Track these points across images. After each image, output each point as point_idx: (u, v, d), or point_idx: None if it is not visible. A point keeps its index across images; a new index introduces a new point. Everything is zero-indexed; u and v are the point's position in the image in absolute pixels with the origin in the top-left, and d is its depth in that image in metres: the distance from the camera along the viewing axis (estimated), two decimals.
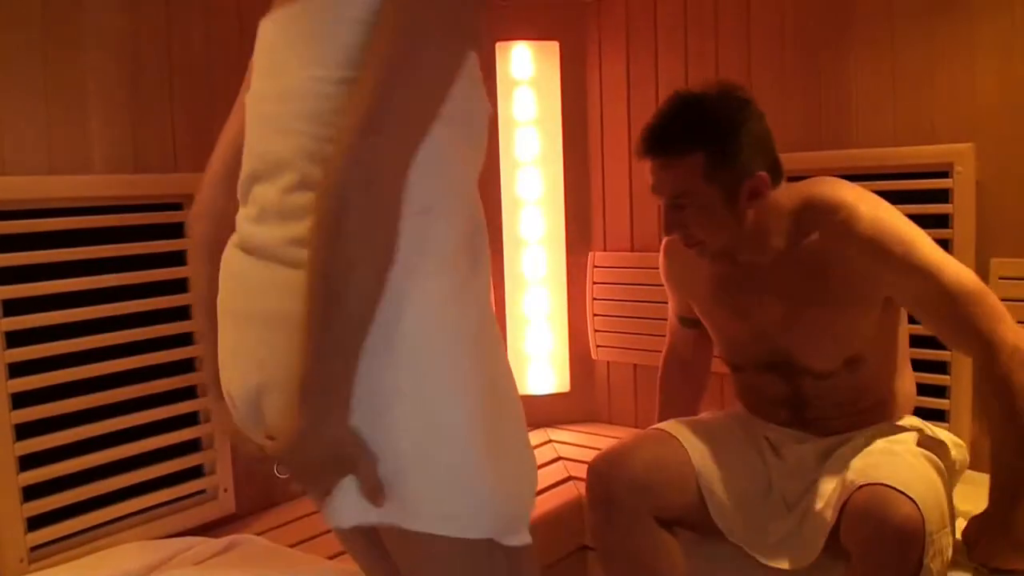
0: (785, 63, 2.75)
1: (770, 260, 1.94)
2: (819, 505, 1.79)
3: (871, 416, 1.97)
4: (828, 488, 1.80)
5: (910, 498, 1.59)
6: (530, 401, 3.35)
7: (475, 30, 1.13)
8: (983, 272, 2.37)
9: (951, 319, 1.80)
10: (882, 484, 1.64)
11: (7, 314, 1.96)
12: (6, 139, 2.01)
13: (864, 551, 1.63)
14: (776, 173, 1.93)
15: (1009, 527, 1.74)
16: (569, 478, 2.76)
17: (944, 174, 2.42)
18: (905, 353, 2.06)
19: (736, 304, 2.03)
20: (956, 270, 1.80)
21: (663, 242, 2.27)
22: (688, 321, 2.25)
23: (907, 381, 2.06)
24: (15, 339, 1.97)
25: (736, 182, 1.87)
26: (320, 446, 1.08)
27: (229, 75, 2.46)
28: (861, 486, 1.66)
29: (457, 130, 1.15)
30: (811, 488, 1.87)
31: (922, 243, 1.82)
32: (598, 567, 2.58)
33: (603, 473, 1.94)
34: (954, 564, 1.73)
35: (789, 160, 2.64)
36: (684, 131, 1.87)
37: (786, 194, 1.94)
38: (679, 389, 2.35)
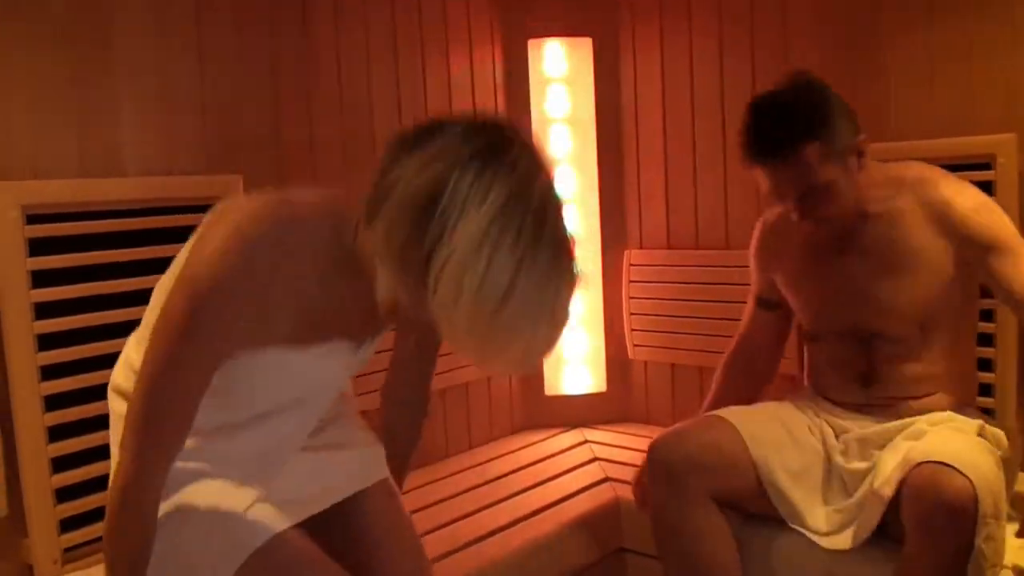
0: (821, 53, 2.69)
1: (862, 220, 2.01)
2: (877, 483, 1.83)
3: (934, 405, 1.98)
4: (888, 468, 1.83)
5: (966, 476, 1.62)
6: (566, 401, 3.33)
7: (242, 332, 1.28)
8: None
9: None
10: (940, 462, 1.67)
11: (40, 317, 1.96)
12: (39, 143, 2.02)
13: (919, 527, 1.66)
14: (860, 130, 2.00)
15: None
16: (606, 479, 2.73)
17: (986, 166, 2.36)
18: (971, 340, 2.10)
19: (823, 266, 2.09)
20: None
21: (760, 220, 2.31)
22: (768, 303, 2.27)
23: (969, 370, 2.11)
24: (48, 342, 1.98)
25: (846, 154, 1.93)
26: None
27: (259, 77, 2.48)
28: (920, 463, 1.70)
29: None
30: (871, 471, 1.91)
31: (1005, 219, 1.93)
32: (635, 569, 2.56)
33: (663, 452, 2.02)
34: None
35: None
36: (791, 131, 1.90)
37: (876, 164, 2.04)
38: (742, 377, 2.33)
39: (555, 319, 1.11)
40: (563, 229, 1.11)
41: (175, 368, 1.26)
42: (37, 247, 1.97)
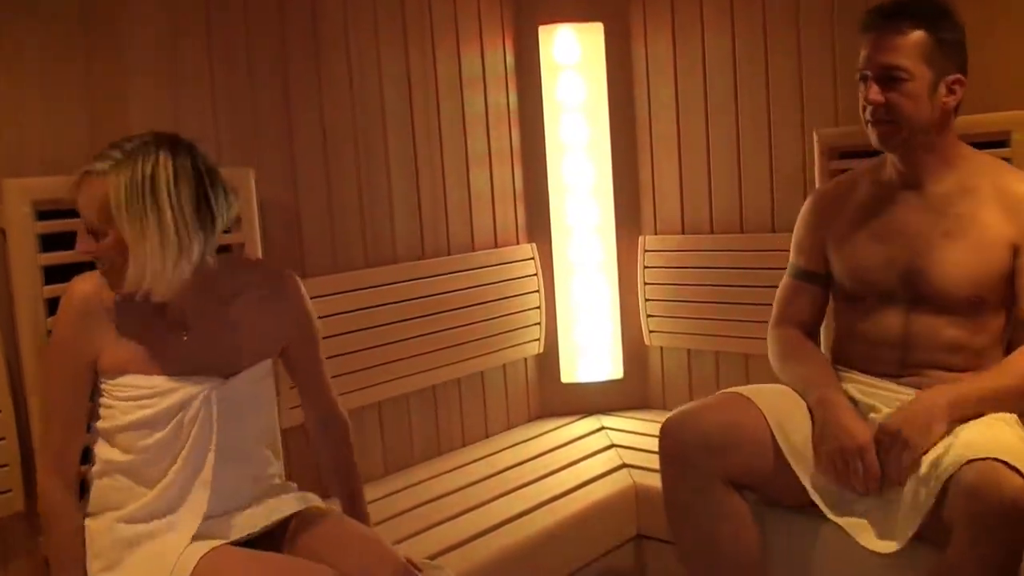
0: (834, 36, 2.68)
1: (930, 183, 2.02)
2: (914, 484, 1.77)
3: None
4: (924, 466, 1.77)
5: (1021, 473, 1.58)
6: (583, 388, 3.33)
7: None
8: None
9: None
10: (992, 459, 1.62)
11: (53, 312, 1.95)
12: (48, 139, 2.02)
13: (973, 526, 1.60)
14: (965, 76, 2.03)
15: None
16: (623, 466, 2.72)
17: (1002, 143, 2.34)
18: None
19: (879, 225, 2.08)
20: None
21: (813, 193, 2.28)
22: (816, 276, 2.20)
23: None
24: None
25: (944, 72, 1.97)
26: None
27: (270, 70, 2.47)
28: (970, 461, 1.64)
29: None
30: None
31: None
32: (653, 556, 2.55)
33: (675, 431, 1.96)
34: None
35: (839, 135, 2.60)
36: (915, 10, 1.96)
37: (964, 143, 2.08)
38: (812, 346, 2.21)
39: None
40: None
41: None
42: (48, 243, 1.97)
